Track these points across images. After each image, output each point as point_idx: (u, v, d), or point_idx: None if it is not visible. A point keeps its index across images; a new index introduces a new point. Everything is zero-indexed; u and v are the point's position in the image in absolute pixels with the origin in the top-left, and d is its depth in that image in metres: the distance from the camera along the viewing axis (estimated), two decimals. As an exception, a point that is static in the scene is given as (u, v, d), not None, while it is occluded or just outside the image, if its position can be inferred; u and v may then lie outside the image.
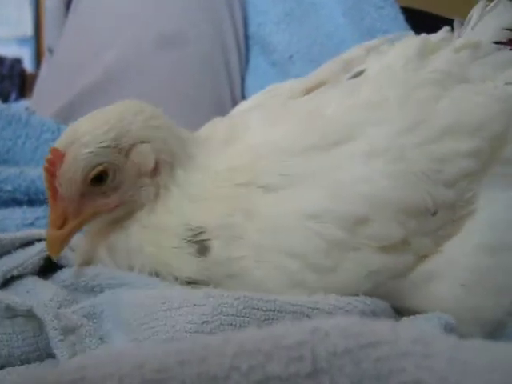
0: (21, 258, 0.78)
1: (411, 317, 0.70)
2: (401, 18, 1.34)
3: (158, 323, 0.62)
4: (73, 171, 0.71)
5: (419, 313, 0.71)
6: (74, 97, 1.26)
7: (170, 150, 0.76)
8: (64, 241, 0.74)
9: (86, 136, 0.72)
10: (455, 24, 0.92)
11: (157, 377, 0.35)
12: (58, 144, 0.73)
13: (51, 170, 0.71)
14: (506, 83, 0.81)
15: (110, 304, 0.68)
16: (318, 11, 1.34)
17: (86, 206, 0.74)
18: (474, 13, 0.90)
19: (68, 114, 1.24)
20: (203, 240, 0.72)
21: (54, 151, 0.72)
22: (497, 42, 0.86)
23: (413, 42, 0.85)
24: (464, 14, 0.93)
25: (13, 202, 0.99)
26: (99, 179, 0.73)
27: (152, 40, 1.30)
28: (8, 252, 0.80)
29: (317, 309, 0.63)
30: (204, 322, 0.60)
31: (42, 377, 0.36)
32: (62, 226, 0.73)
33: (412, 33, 0.91)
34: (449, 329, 0.68)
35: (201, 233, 0.72)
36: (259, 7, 1.41)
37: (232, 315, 0.61)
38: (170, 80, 1.28)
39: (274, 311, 0.62)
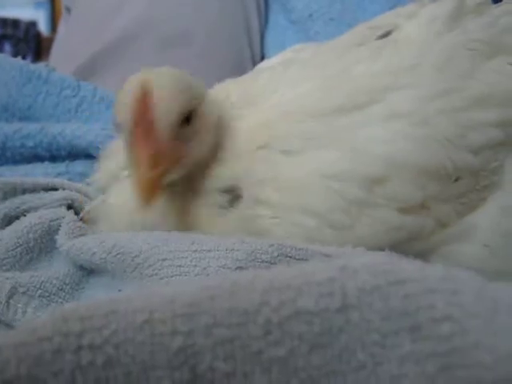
0: (42, 200, 0.79)
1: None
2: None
3: (186, 262, 0.60)
4: (172, 106, 0.66)
5: None
6: (94, 54, 1.26)
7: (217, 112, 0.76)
8: (157, 184, 0.65)
9: (174, 76, 0.69)
10: None
11: (188, 311, 0.36)
12: (137, 85, 0.66)
13: (143, 105, 0.64)
14: None
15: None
16: (339, -31, 1.31)
17: (177, 148, 0.68)
18: None
19: (88, 72, 1.25)
20: (235, 188, 0.72)
21: (142, 87, 0.65)
22: None
23: (448, 3, 0.81)
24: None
25: (34, 158, 1.00)
26: (186, 120, 0.68)
27: None
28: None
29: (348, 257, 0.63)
30: (238, 268, 0.58)
31: (75, 309, 0.37)
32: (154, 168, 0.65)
33: None
34: None
35: (233, 182, 0.72)
36: None
37: (266, 262, 0.59)
38: (189, 35, 1.27)
39: (305, 260, 0.61)
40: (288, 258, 0.60)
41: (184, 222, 0.73)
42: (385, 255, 0.58)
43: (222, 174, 0.73)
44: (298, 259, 0.61)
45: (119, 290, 0.65)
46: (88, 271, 0.72)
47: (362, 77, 0.75)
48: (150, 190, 0.63)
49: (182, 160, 0.70)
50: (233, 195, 0.72)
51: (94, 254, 0.67)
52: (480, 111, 0.71)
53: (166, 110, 0.65)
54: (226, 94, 0.83)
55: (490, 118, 0.71)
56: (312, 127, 0.72)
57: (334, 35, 0.91)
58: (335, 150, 0.70)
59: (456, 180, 0.70)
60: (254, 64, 1.21)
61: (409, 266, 0.38)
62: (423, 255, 0.71)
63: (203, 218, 0.72)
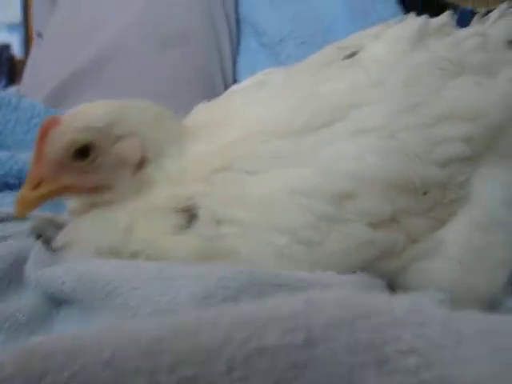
0: (11, 229, 0.79)
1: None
2: (393, -2, 1.33)
3: (155, 291, 0.59)
4: (60, 138, 0.72)
5: (414, 290, 0.71)
6: (64, 79, 1.25)
7: (160, 148, 0.76)
8: (32, 203, 0.74)
9: (84, 113, 0.75)
10: (476, 17, 0.91)
11: (152, 349, 0.35)
12: (62, 116, 0.75)
13: (42, 132, 0.73)
14: (511, 80, 0.80)
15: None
16: (310, -8, 1.33)
17: (62, 177, 0.74)
18: (495, 11, 0.89)
19: (58, 98, 1.24)
20: (191, 208, 0.71)
21: (53, 118, 0.74)
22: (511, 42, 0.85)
23: (412, 24, 0.84)
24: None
25: (4, 186, 0.99)
26: (81, 155, 0.73)
27: (144, 22, 1.29)
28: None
29: (318, 284, 0.62)
30: (207, 296, 0.57)
31: (39, 345, 0.36)
32: (35, 188, 0.74)
33: (412, 14, 0.89)
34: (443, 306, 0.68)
35: (190, 202, 0.71)
36: None
37: (236, 289, 0.58)
38: (162, 60, 1.27)
39: (276, 285, 0.60)
40: (258, 285, 0.60)
41: (144, 241, 0.72)
42: (352, 286, 0.58)
43: (179, 195, 0.73)
44: (269, 285, 0.60)
45: (89, 320, 0.64)
46: (58, 302, 0.71)
47: (329, 95, 0.76)
48: (26, 206, 0.74)
49: (76, 189, 0.76)
50: (190, 215, 0.71)
51: (64, 283, 0.66)
52: (446, 127, 0.73)
53: (53, 145, 0.73)
54: (199, 117, 0.84)
55: (456, 133, 0.73)
56: (279, 146, 0.72)
57: (305, 58, 0.91)
58: (304, 167, 0.70)
59: (424, 194, 0.71)
60: (226, 88, 1.21)
61: (375, 299, 0.37)
62: (395, 273, 0.72)
63: (161, 238, 0.71)
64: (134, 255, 0.72)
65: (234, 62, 1.40)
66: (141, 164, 0.75)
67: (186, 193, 0.72)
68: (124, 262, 0.68)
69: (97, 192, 0.76)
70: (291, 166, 0.70)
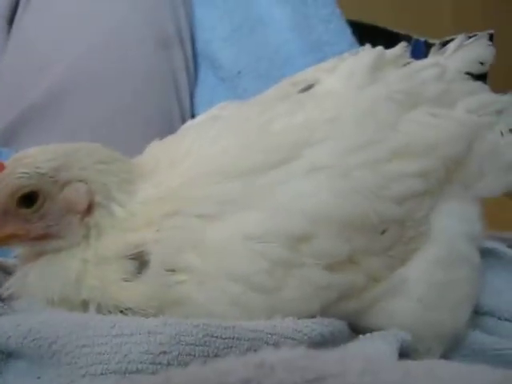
0: None
1: (368, 334, 0.70)
2: (348, 31, 1.34)
3: (106, 349, 0.57)
4: (3, 185, 0.70)
5: (376, 330, 0.70)
6: (15, 118, 1.22)
7: (108, 193, 0.74)
8: None
9: (29, 158, 0.72)
10: (433, 48, 0.92)
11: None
12: (7, 161, 0.72)
13: None
14: (468, 111, 0.81)
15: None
16: (266, 26, 1.33)
17: (6, 226, 0.72)
18: (452, 43, 0.90)
19: (10, 136, 1.21)
20: (142, 254, 0.69)
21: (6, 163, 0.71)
22: (468, 73, 0.87)
23: (367, 56, 0.83)
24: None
25: None
26: (27, 202, 0.71)
27: (97, 56, 1.28)
28: None
29: (275, 334, 0.61)
30: (161, 353, 0.56)
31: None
32: None
33: (368, 46, 0.88)
34: (405, 346, 0.67)
35: (140, 249, 0.69)
36: (206, 24, 1.39)
37: (191, 344, 0.57)
38: (117, 98, 1.26)
39: (232, 338, 0.59)
40: (214, 339, 0.58)
41: (95, 289, 0.70)
42: (303, 349, 0.55)
43: (129, 241, 0.71)
44: (225, 338, 0.58)
45: (38, 378, 0.61)
46: (6, 354, 0.68)
47: (281, 132, 0.74)
48: None
49: (22, 238, 0.73)
50: (141, 261, 0.69)
51: (10, 338, 0.63)
52: (402, 162, 0.72)
53: None
54: (152, 156, 0.82)
55: (411, 168, 0.73)
56: (229, 188, 0.70)
57: (262, 92, 0.91)
58: (256, 210, 0.68)
59: (383, 232, 0.70)
60: (184, 121, 1.20)
61: (328, 359, 0.36)
62: (357, 314, 0.71)
63: (112, 285, 0.69)
64: (85, 304, 0.70)
65: (192, 95, 1.39)
66: (89, 209, 0.73)
67: (136, 239, 0.70)
68: (74, 315, 0.66)
69: (44, 240, 0.73)
70: (244, 209, 0.69)
